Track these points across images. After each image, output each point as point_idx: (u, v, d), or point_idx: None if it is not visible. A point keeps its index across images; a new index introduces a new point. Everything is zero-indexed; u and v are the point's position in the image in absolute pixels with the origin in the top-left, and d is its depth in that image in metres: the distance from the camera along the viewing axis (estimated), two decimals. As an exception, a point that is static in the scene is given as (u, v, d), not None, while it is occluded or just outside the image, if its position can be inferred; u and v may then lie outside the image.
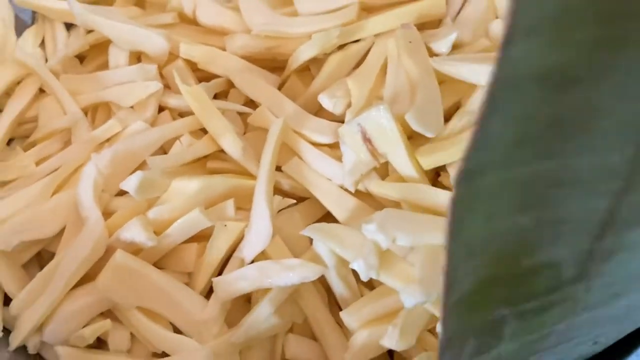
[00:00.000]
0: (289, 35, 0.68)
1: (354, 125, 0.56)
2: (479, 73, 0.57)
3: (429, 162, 0.56)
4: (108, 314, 0.59)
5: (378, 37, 0.66)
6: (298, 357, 0.57)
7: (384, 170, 0.59)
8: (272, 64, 0.71)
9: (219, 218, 0.58)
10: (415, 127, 0.54)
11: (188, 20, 0.73)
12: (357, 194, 0.59)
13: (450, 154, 0.55)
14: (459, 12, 0.69)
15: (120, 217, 0.59)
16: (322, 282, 0.58)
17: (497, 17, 0.66)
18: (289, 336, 0.57)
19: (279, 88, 0.69)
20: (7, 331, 0.59)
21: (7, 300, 0.60)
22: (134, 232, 0.56)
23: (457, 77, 0.58)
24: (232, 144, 0.61)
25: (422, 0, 0.67)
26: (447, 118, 0.58)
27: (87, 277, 0.58)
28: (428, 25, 0.68)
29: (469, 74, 0.57)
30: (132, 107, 0.67)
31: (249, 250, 0.57)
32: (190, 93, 0.62)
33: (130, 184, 0.56)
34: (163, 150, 0.65)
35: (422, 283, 0.49)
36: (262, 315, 0.55)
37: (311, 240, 0.57)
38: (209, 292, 0.58)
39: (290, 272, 0.54)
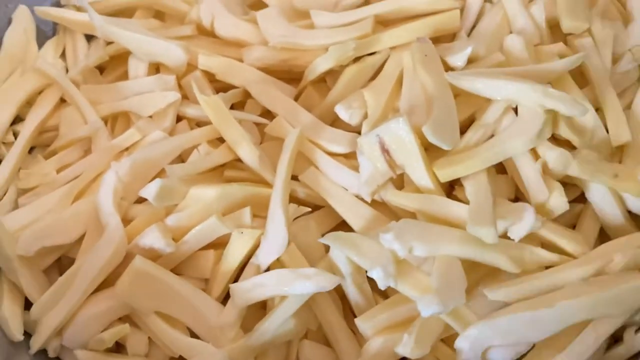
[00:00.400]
0: (305, 48, 0.69)
1: (373, 136, 0.57)
2: (493, 88, 0.58)
3: (446, 174, 0.57)
4: (126, 318, 0.60)
5: (394, 50, 0.67)
6: (312, 362, 0.58)
7: (400, 181, 0.60)
8: (288, 75, 0.72)
9: (235, 225, 0.59)
10: (432, 139, 0.55)
11: (206, 33, 0.75)
12: (373, 203, 0.60)
13: (467, 166, 0.56)
14: (473, 26, 0.70)
15: (139, 223, 0.60)
16: (337, 289, 0.58)
17: (511, 32, 0.67)
18: (304, 342, 0.58)
19: (295, 99, 0.70)
20: (27, 335, 0.60)
21: (28, 305, 0.61)
22: (153, 238, 0.57)
23: (472, 92, 0.59)
24: (249, 153, 0.62)
25: (437, 14, 0.68)
26: (462, 131, 0.59)
27: (106, 282, 0.59)
28: (443, 38, 0.69)
29: (484, 89, 0.58)
30: (150, 116, 0.68)
31: (265, 257, 0.58)
32: (208, 103, 0.64)
33: (149, 191, 0.58)
34: (181, 158, 0.66)
35: (439, 293, 0.50)
36: (278, 321, 0.55)
37: (326, 248, 0.58)
38: (225, 298, 0.60)
39: (307, 281, 0.55)
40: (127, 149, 0.66)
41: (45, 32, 0.83)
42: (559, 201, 0.56)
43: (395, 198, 0.57)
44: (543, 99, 0.56)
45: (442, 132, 0.55)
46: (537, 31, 0.66)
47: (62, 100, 0.74)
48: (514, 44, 0.64)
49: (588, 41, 0.64)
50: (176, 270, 0.60)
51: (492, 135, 0.58)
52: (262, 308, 0.60)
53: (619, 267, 0.52)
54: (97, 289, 0.59)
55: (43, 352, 0.60)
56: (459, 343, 0.51)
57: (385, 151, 0.57)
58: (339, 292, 0.59)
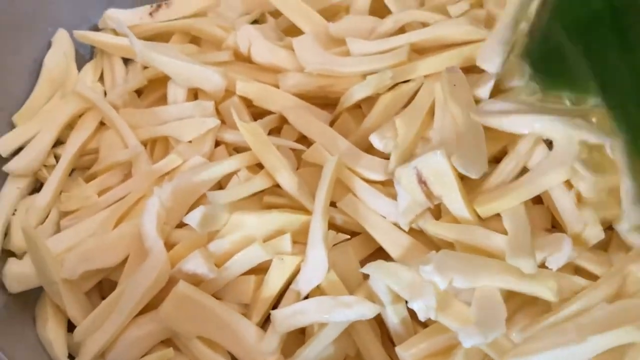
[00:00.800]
0: (341, 75, 0.70)
1: (410, 168, 0.58)
2: (519, 124, 0.59)
3: (486, 211, 0.58)
4: (168, 342, 0.61)
5: (427, 78, 0.69)
6: (350, 389, 0.59)
7: (437, 210, 0.61)
8: (323, 101, 0.73)
9: (276, 252, 0.60)
10: (460, 169, 0.56)
11: (242, 58, 0.76)
12: (410, 231, 0.61)
13: (506, 202, 0.57)
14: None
15: (181, 249, 0.61)
16: (376, 316, 0.59)
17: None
18: (343, 368, 0.59)
19: (330, 125, 0.71)
20: (71, 357, 0.61)
21: (70, 327, 0.63)
22: (196, 264, 0.58)
23: (499, 129, 0.60)
24: (288, 180, 0.63)
25: (470, 43, 0.69)
26: (497, 161, 0.61)
27: (148, 306, 0.60)
28: (476, 69, 0.70)
29: (510, 125, 0.59)
30: (190, 141, 0.70)
31: (305, 283, 0.59)
32: (247, 129, 0.65)
33: (193, 218, 0.59)
34: (219, 184, 0.67)
35: (479, 324, 0.51)
36: (318, 347, 0.57)
37: (364, 274, 0.59)
38: (264, 323, 0.61)
39: (348, 309, 0.56)
40: (167, 173, 0.68)
41: (83, 55, 0.85)
42: (594, 231, 0.57)
43: (434, 228, 0.59)
44: (570, 131, 0.56)
45: (470, 162, 0.57)
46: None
47: (101, 124, 0.75)
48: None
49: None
50: (217, 295, 0.61)
51: (524, 167, 0.59)
52: (301, 333, 0.61)
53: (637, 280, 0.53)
54: (139, 313, 0.60)
55: (85, 374, 0.61)
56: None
57: (422, 182, 0.58)
58: (377, 319, 0.60)
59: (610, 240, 0.60)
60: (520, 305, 0.57)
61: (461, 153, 0.58)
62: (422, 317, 0.53)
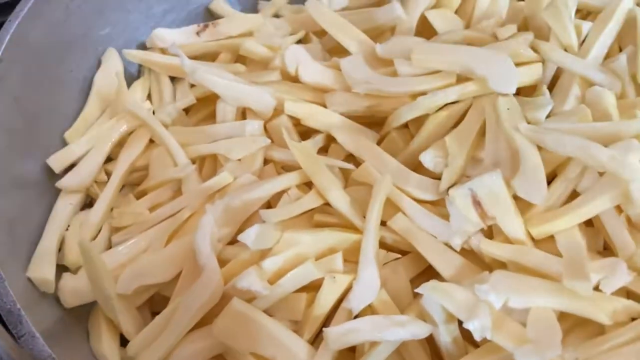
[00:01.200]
0: (389, 95, 0.71)
1: (465, 189, 0.58)
2: (560, 144, 0.59)
3: (540, 232, 0.59)
4: (220, 357, 0.62)
5: (476, 99, 0.69)
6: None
7: (489, 231, 0.61)
8: (370, 120, 0.74)
9: (328, 270, 0.61)
10: (521, 194, 0.57)
11: (289, 78, 0.77)
12: (461, 251, 0.61)
13: (559, 224, 0.58)
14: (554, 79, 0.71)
15: (235, 265, 0.62)
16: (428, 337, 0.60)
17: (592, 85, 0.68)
18: (393, 387, 0.60)
19: (378, 144, 0.72)
20: (123, 370, 0.62)
21: (123, 341, 0.64)
22: (250, 281, 0.59)
23: (552, 150, 0.60)
24: (339, 199, 0.64)
25: (519, 65, 0.69)
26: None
27: (201, 321, 0.61)
28: (524, 90, 0.71)
29: (552, 144, 0.60)
30: (239, 159, 0.71)
31: (357, 302, 0.59)
32: (298, 149, 0.66)
33: (248, 236, 0.60)
34: (268, 202, 0.68)
35: (535, 344, 0.51)
36: (371, 366, 0.57)
37: (415, 293, 0.59)
38: (314, 340, 0.61)
39: (401, 329, 0.56)
40: (217, 191, 0.69)
41: (131, 72, 0.87)
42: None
43: (488, 248, 0.59)
44: (606, 162, 0.56)
45: (531, 187, 0.58)
46: (619, 83, 0.67)
47: (151, 141, 0.77)
48: (595, 96, 0.65)
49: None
50: (268, 312, 0.61)
51: (574, 190, 0.60)
52: (351, 351, 0.61)
53: None
54: (193, 328, 0.61)
55: (138, 388, 0.62)
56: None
57: (477, 203, 0.58)
58: (428, 338, 0.60)
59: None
60: (572, 326, 0.57)
61: (521, 177, 0.58)
62: (477, 337, 0.53)
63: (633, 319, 0.55)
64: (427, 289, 0.56)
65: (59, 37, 0.77)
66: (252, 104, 0.73)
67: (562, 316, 0.56)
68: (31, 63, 0.72)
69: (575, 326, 0.57)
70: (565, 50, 0.71)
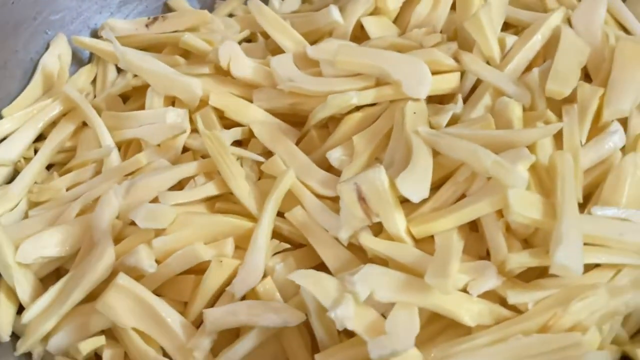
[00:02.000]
0: (310, 93, 0.73)
1: (351, 184, 0.59)
2: (451, 148, 0.60)
3: (420, 231, 0.60)
4: (109, 332, 0.63)
5: (393, 103, 0.70)
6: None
7: (379, 226, 0.62)
8: (294, 118, 0.76)
9: (217, 254, 0.62)
10: (402, 191, 0.58)
11: (223, 72, 0.79)
12: (351, 247, 0.62)
13: (440, 224, 0.59)
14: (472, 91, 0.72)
15: (128, 242, 0.64)
16: (308, 325, 0.61)
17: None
18: (269, 374, 0.61)
19: (298, 141, 0.73)
20: (15, 337, 0.64)
21: (21, 310, 0.65)
22: (138, 258, 0.61)
23: (436, 149, 0.62)
24: (239, 187, 0.66)
25: (439, 74, 0.71)
26: (439, 187, 0.62)
27: (94, 296, 0.63)
28: (446, 99, 0.72)
29: (445, 148, 0.61)
30: (159, 145, 0.73)
31: (240, 286, 0.61)
32: (208, 137, 0.68)
33: (138, 213, 0.62)
34: (181, 186, 0.70)
35: (390, 337, 0.52)
36: (243, 349, 0.58)
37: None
38: (201, 322, 0.62)
39: (275, 315, 0.58)
40: (132, 173, 0.71)
41: (82, 59, 0.89)
42: (518, 261, 0.57)
43: (368, 243, 0.60)
44: (490, 166, 0.57)
45: (413, 186, 0.58)
46: (529, 95, 0.68)
47: (85, 124, 0.79)
48: (503, 106, 0.66)
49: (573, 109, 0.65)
50: (158, 292, 0.63)
51: (464, 194, 0.61)
52: (236, 335, 0.63)
53: (560, 321, 0.53)
54: (86, 302, 0.63)
55: (27, 355, 0.64)
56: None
57: (361, 199, 0.59)
58: (310, 329, 0.61)
59: (542, 272, 0.60)
60: (444, 327, 0.57)
61: (406, 176, 0.59)
62: (339, 325, 0.54)
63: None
64: (298, 275, 0.57)
65: (7, 17, 0.80)
66: (180, 93, 0.75)
67: (435, 317, 0.57)
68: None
69: (447, 327, 0.57)
70: (488, 62, 0.73)
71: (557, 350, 0.51)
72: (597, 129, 0.64)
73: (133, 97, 0.83)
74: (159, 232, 0.64)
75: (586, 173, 0.62)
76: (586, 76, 0.71)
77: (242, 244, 0.64)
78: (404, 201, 0.60)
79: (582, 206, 0.60)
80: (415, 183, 0.59)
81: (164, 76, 0.75)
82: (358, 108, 0.72)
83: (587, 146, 0.63)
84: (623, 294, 0.54)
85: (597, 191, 0.61)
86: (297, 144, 0.73)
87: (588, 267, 0.57)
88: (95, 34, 0.90)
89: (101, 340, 0.61)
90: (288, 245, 0.64)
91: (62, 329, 0.62)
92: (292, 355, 0.60)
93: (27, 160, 0.76)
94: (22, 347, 0.63)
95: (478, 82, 0.72)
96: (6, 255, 0.64)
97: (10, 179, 0.76)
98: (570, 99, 0.66)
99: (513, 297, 0.55)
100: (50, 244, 0.65)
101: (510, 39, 0.74)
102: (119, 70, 0.87)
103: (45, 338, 0.63)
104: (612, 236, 0.56)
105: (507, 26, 0.79)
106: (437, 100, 0.72)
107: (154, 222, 0.62)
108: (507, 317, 0.55)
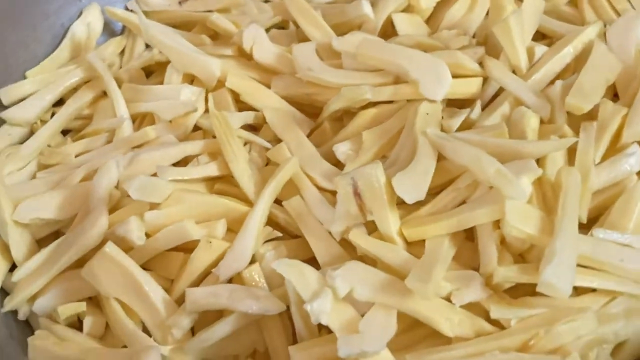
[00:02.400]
0: (327, 84, 0.71)
1: (348, 178, 0.58)
2: (456, 152, 0.58)
3: (412, 234, 0.58)
4: (95, 300, 0.63)
5: (410, 102, 0.69)
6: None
7: (374, 226, 0.60)
8: (310, 109, 0.74)
9: (208, 234, 0.61)
10: (398, 191, 0.56)
11: (246, 56, 0.78)
12: (344, 243, 0.61)
13: (432, 229, 0.57)
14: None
15: (122, 213, 0.63)
16: (291, 317, 0.59)
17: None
18: (248, 360, 0.60)
19: (311, 132, 0.72)
20: (4, 294, 0.65)
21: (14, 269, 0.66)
22: (127, 229, 0.61)
23: (442, 153, 0.60)
24: (240, 170, 0.65)
25: (461, 77, 0.69)
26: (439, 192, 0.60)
27: (85, 262, 0.63)
28: (467, 103, 0.70)
29: (449, 152, 0.59)
30: (170, 121, 0.72)
31: (225, 269, 0.60)
32: (216, 117, 0.67)
33: (131, 185, 0.61)
34: (185, 163, 0.69)
35: (362, 336, 0.50)
36: (219, 332, 0.57)
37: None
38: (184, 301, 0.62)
39: (254, 301, 0.56)
40: (140, 145, 0.71)
41: (115, 30, 0.90)
42: (506, 276, 0.54)
43: (357, 239, 0.58)
44: (492, 175, 0.55)
45: (408, 186, 0.56)
46: (548, 108, 0.65)
47: (105, 94, 0.79)
48: (519, 116, 0.63)
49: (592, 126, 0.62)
50: (146, 266, 0.62)
51: (464, 201, 0.58)
52: (219, 318, 0.62)
53: (541, 342, 0.50)
54: (76, 267, 0.63)
55: (14, 312, 0.64)
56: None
57: (357, 195, 0.58)
58: (291, 319, 0.60)
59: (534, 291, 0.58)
60: (425, 335, 0.55)
61: (403, 175, 0.58)
62: (313, 319, 0.52)
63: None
64: (281, 264, 0.55)
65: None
66: (198, 71, 0.75)
67: (416, 325, 0.55)
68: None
69: (427, 336, 0.55)
70: (514, 70, 0.70)
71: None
72: (615, 149, 0.61)
73: (156, 72, 0.83)
74: (154, 207, 0.63)
75: (597, 194, 0.59)
76: (615, 95, 0.68)
77: (235, 228, 0.63)
78: (402, 202, 0.58)
79: (587, 227, 0.57)
80: (412, 184, 0.57)
81: (184, 53, 0.75)
82: (374, 104, 0.70)
83: (601, 166, 0.60)
84: (613, 322, 0.51)
85: (605, 213, 0.58)
86: (309, 134, 0.72)
87: (583, 291, 0.54)
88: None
89: (81, 306, 0.61)
90: (280, 234, 0.63)
91: (50, 291, 0.63)
92: (271, 345, 0.59)
93: (44, 123, 0.77)
94: (9, 305, 0.63)
95: (500, 90, 0.70)
96: (3, 211, 0.64)
97: (25, 141, 0.77)
98: (592, 116, 0.63)
99: (496, 312, 0.52)
100: (48, 207, 0.65)
101: (540, 49, 0.71)
102: (148, 46, 0.87)
103: (33, 298, 0.63)
104: (612, 261, 0.53)
105: (542, 37, 0.76)
106: (458, 105, 0.70)
107: (147, 195, 0.62)
108: (489, 331, 0.53)
